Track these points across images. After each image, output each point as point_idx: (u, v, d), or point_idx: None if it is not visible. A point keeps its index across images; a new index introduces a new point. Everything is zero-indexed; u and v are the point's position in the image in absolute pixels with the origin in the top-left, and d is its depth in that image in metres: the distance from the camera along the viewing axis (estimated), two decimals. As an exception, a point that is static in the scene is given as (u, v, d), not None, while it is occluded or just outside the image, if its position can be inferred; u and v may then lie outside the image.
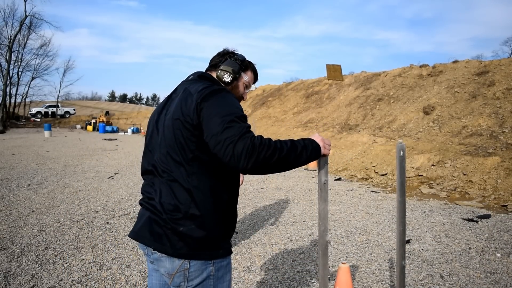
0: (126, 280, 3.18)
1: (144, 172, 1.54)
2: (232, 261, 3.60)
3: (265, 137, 1.34)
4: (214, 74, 1.61)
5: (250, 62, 1.70)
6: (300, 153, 1.38)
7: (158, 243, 1.40)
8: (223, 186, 1.43)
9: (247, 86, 1.69)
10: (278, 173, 8.96)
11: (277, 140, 1.35)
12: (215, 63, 1.64)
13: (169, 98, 1.56)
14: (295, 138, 1.49)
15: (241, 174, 3.83)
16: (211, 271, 1.42)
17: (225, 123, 1.29)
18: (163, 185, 1.42)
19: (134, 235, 1.48)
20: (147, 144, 1.55)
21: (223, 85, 1.57)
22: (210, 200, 1.39)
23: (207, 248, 1.40)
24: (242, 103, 1.94)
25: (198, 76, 1.58)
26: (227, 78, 1.58)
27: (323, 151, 1.49)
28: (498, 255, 3.65)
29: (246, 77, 1.67)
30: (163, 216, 1.40)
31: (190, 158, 1.38)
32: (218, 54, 1.67)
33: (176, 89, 1.57)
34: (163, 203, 1.40)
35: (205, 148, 1.36)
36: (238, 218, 5.09)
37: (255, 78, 1.74)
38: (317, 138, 1.48)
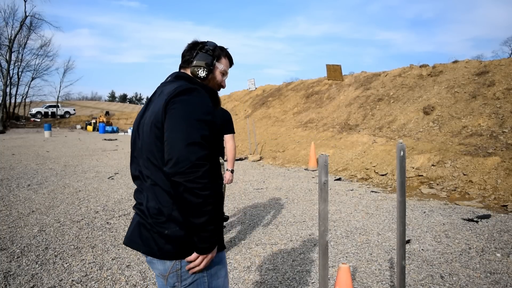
0: (126, 280, 3.18)
1: (133, 178, 1.56)
2: (232, 261, 3.61)
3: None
4: (189, 71, 1.59)
5: (222, 48, 1.67)
6: (206, 223, 1.34)
7: (147, 247, 1.42)
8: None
9: (224, 74, 1.67)
10: (278, 173, 8.97)
11: (210, 196, 1.32)
12: (187, 59, 1.61)
13: (149, 101, 1.55)
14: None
15: (229, 173, 3.84)
16: (204, 269, 1.43)
17: (183, 126, 1.31)
18: (148, 190, 1.45)
19: (126, 241, 1.51)
20: (132, 151, 1.56)
21: (199, 80, 1.57)
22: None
23: (191, 248, 1.40)
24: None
25: (175, 77, 1.58)
26: (201, 73, 1.56)
27: (207, 257, 1.41)
28: (498, 255, 3.65)
29: (221, 65, 1.64)
30: (149, 220, 1.42)
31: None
32: (188, 47, 1.63)
33: (155, 91, 1.56)
34: (149, 207, 1.43)
35: None
36: (239, 218, 5.09)
37: (231, 63, 1.71)
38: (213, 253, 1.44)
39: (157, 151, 1.40)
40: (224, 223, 4.83)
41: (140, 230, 1.45)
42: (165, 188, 1.40)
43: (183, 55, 1.63)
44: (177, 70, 1.66)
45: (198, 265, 1.40)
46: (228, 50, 1.71)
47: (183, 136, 1.30)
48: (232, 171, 3.76)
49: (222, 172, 3.77)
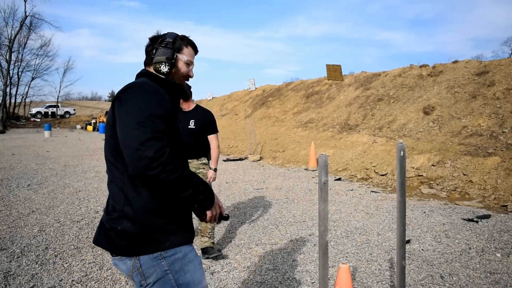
0: (126, 280, 3.18)
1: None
2: (232, 261, 3.61)
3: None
4: (152, 68, 1.57)
5: (183, 38, 1.61)
6: (196, 190, 1.38)
7: (108, 243, 1.43)
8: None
9: (188, 64, 1.62)
10: (278, 173, 8.97)
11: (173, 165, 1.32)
12: (148, 56, 1.58)
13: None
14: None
15: (212, 171, 3.85)
16: (165, 265, 1.41)
17: (133, 124, 1.30)
18: (108, 188, 1.49)
19: (94, 239, 1.51)
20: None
21: (163, 76, 1.55)
22: (142, 196, 1.39)
23: (148, 243, 1.39)
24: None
25: (137, 75, 1.58)
26: (164, 69, 1.54)
27: (212, 207, 1.49)
28: (498, 255, 3.64)
29: (184, 57, 1.59)
30: (106, 218, 1.46)
31: (119, 158, 1.40)
32: (149, 43, 1.60)
33: None
34: (108, 205, 1.48)
35: None
36: (239, 218, 5.09)
37: (195, 50, 1.66)
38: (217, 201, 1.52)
39: (110, 148, 1.43)
40: (225, 222, 4.84)
41: (102, 228, 1.47)
42: (118, 185, 1.42)
43: (146, 52, 1.60)
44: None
45: (214, 216, 1.50)
46: (190, 38, 1.65)
47: (134, 136, 1.28)
48: (215, 170, 3.84)
49: (205, 172, 3.86)
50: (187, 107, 3.80)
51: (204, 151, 3.89)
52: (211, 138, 3.86)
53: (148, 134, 1.28)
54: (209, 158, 3.91)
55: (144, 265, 1.40)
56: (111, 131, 1.41)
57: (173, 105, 1.49)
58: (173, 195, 1.36)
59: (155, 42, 1.58)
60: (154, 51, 1.56)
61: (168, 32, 1.61)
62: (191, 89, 3.78)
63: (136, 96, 1.37)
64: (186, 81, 1.69)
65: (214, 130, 3.86)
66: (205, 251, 3.70)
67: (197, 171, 3.85)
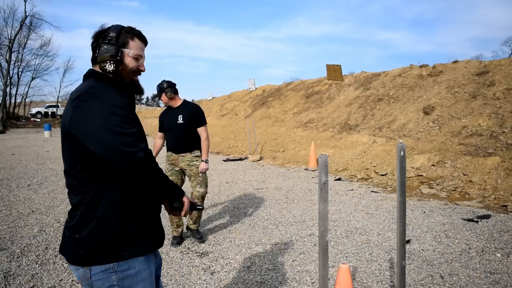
0: (126, 280, 3.18)
1: None
2: (232, 261, 3.61)
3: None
4: (97, 67, 1.46)
5: (128, 31, 1.47)
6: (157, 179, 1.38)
7: (66, 252, 1.40)
8: (111, 187, 1.36)
9: (137, 58, 1.49)
10: (278, 173, 8.97)
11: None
12: (93, 55, 1.47)
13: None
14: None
15: (203, 163, 3.98)
16: (114, 280, 1.35)
17: (103, 132, 1.26)
18: (68, 196, 1.45)
19: (59, 250, 1.48)
20: None
21: (110, 75, 1.45)
22: (98, 204, 1.35)
23: (103, 253, 1.34)
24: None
25: (84, 76, 1.48)
26: (110, 67, 1.42)
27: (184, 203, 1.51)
28: (498, 255, 3.64)
29: (130, 51, 1.46)
30: (65, 226, 1.43)
31: (76, 167, 1.35)
32: (92, 40, 1.48)
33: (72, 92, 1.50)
34: (68, 213, 1.45)
35: (86, 154, 1.31)
36: (239, 218, 5.09)
37: (144, 42, 1.53)
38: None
39: (68, 156, 1.38)
40: (222, 221, 4.84)
41: (63, 236, 1.44)
42: (75, 193, 1.38)
43: (91, 49, 1.49)
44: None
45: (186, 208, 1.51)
46: (136, 29, 1.51)
47: (119, 143, 1.25)
48: (206, 161, 4.02)
49: (198, 164, 4.05)
50: (174, 104, 4.06)
51: (196, 144, 4.08)
52: (200, 130, 4.06)
53: (131, 137, 1.28)
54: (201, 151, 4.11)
55: (94, 276, 1.35)
56: (68, 139, 1.34)
57: (129, 103, 1.43)
58: (153, 190, 1.38)
59: (98, 39, 1.45)
60: (98, 49, 1.44)
61: (112, 26, 1.48)
62: (176, 87, 4.09)
63: (91, 106, 1.29)
64: (137, 76, 1.56)
65: (203, 123, 4.07)
66: (189, 230, 4.26)
67: (191, 164, 4.03)
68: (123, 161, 1.25)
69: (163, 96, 4.05)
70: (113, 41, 1.43)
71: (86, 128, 1.27)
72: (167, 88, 4.02)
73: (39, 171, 8.90)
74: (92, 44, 1.48)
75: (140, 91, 1.56)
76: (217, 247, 3.98)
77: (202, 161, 4.00)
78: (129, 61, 1.47)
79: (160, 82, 4.09)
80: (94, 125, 1.26)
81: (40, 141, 18.96)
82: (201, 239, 4.16)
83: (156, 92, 4.13)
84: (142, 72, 1.54)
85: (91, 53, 1.49)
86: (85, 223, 1.35)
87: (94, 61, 1.48)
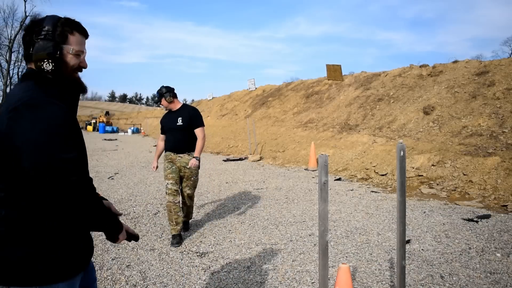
0: (126, 280, 3.18)
1: None
2: (232, 261, 3.61)
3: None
4: (33, 66, 1.29)
5: (66, 23, 1.29)
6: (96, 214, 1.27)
7: None
8: (36, 207, 1.22)
9: (78, 54, 1.32)
10: (278, 173, 8.97)
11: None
12: (27, 50, 1.28)
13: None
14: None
15: (194, 159, 4.15)
16: None
17: (40, 152, 1.14)
18: None
19: None
20: None
21: (50, 76, 1.27)
22: (9, 218, 1.21)
23: (21, 275, 1.20)
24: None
25: (22, 77, 1.31)
26: (47, 67, 1.25)
27: (119, 236, 1.40)
28: (498, 255, 3.65)
29: (71, 48, 1.28)
30: None
31: (1, 181, 1.21)
32: (24, 35, 1.29)
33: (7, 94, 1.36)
34: None
35: (15, 170, 1.19)
36: (239, 218, 5.09)
37: (84, 35, 1.35)
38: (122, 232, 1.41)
39: None
40: (222, 221, 4.84)
41: None
42: None
43: (23, 44, 1.30)
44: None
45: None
46: (75, 21, 1.32)
47: (57, 162, 1.15)
48: (197, 158, 4.20)
49: (189, 159, 4.24)
50: (174, 107, 4.33)
51: (193, 146, 4.28)
52: (197, 131, 4.30)
53: (69, 164, 1.18)
54: None
55: None
56: None
57: (70, 110, 1.31)
58: (84, 220, 1.25)
59: (31, 34, 1.26)
60: (32, 45, 1.25)
61: (46, 17, 1.28)
62: (174, 91, 4.35)
63: (34, 124, 1.15)
64: (78, 73, 1.39)
65: (200, 124, 4.32)
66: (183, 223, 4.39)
67: (187, 166, 4.24)
68: (55, 185, 1.16)
69: (163, 101, 4.28)
70: (49, 36, 1.24)
71: (20, 142, 1.15)
72: (166, 93, 4.26)
73: (39, 171, 8.90)
74: (24, 38, 1.28)
75: (84, 89, 1.40)
76: (217, 247, 3.98)
77: (193, 157, 4.20)
78: (70, 59, 1.29)
79: (159, 88, 4.32)
80: (30, 142, 1.14)
81: (40, 141, 18.95)
82: (186, 229, 4.51)
83: (156, 97, 4.37)
84: (83, 69, 1.38)
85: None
86: (4, 242, 1.21)
87: (28, 58, 1.28)
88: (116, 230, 1.38)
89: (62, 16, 1.31)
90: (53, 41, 1.25)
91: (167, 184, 4.18)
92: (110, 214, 1.36)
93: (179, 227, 4.11)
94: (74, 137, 1.26)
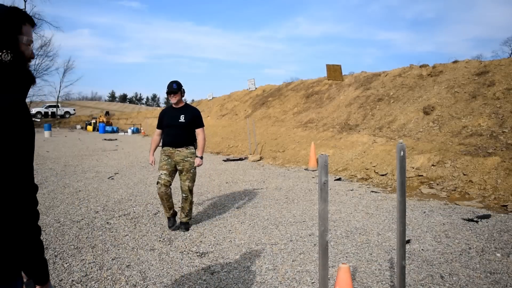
0: (126, 280, 3.18)
1: None
2: (232, 261, 3.61)
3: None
4: None
5: (14, 14, 1.27)
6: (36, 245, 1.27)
7: None
8: None
9: (29, 44, 1.32)
10: (278, 173, 8.97)
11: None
12: None
13: None
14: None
15: (198, 158, 4.42)
16: None
17: (16, 157, 1.17)
18: None
19: None
20: None
21: (10, 68, 1.24)
22: None
23: None
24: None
25: None
26: (6, 57, 1.23)
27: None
28: (498, 255, 3.65)
29: (23, 38, 1.28)
30: None
31: None
32: None
33: None
34: None
35: None
36: (239, 218, 5.09)
37: (32, 24, 1.34)
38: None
39: None
40: (222, 221, 4.84)
41: None
42: None
43: None
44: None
45: None
46: (24, 10, 1.33)
47: (23, 172, 1.19)
48: (201, 158, 4.51)
49: (192, 160, 4.47)
50: (179, 104, 4.55)
51: (191, 142, 4.54)
52: (199, 131, 4.58)
53: (31, 173, 1.21)
54: (195, 148, 4.58)
55: None
56: None
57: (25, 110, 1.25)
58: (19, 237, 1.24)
59: None
60: None
61: None
62: (182, 87, 4.54)
63: (21, 129, 1.17)
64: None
65: (201, 125, 4.60)
66: (181, 223, 4.62)
67: (185, 159, 4.45)
68: (15, 190, 1.19)
69: (178, 95, 4.47)
70: (3, 25, 1.23)
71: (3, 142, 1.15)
72: (183, 89, 4.54)
73: (39, 171, 8.90)
74: None
75: (34, 80, 1.38)
76: (217, 247, 3.98)
77: (197, 157, 4.49)
78: (24, 49, 1.29)
79: (177, 81, 4.50)
80: (13, 145, 1.16)
81: (40, 141, 18.97)
82: (187, 229, 4.56)
83: (172, 88, 4.46)
84: (32, 59, 1.37)
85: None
86: None
87: None
88: (45, 274, 1.31)
89: (9, 5, 1.30)
90: (8, 33, 1.24)
91: (161, 174, 4.42)
92: (42, 255, 1.29)
93: (171, 211, 4.52)
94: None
